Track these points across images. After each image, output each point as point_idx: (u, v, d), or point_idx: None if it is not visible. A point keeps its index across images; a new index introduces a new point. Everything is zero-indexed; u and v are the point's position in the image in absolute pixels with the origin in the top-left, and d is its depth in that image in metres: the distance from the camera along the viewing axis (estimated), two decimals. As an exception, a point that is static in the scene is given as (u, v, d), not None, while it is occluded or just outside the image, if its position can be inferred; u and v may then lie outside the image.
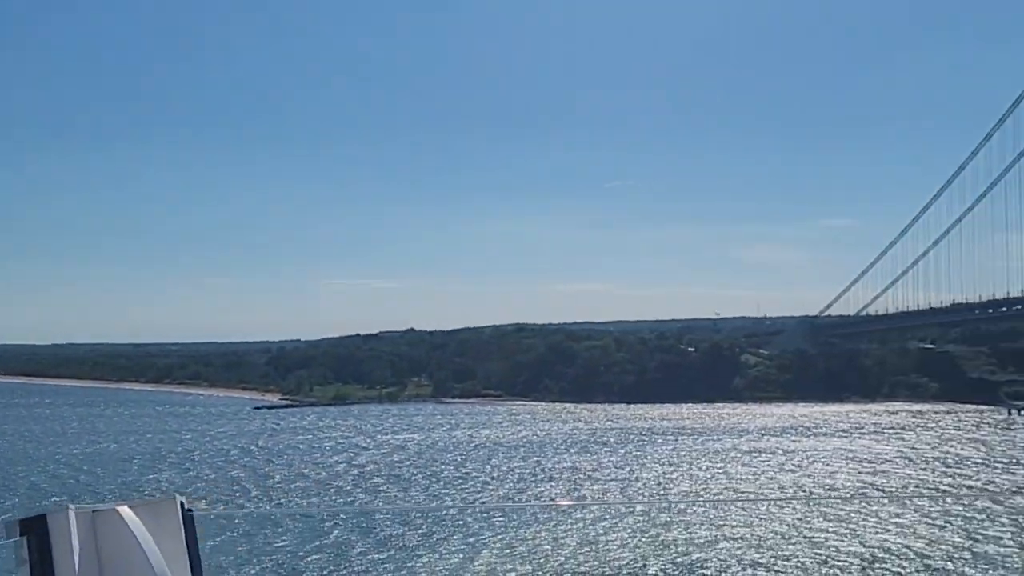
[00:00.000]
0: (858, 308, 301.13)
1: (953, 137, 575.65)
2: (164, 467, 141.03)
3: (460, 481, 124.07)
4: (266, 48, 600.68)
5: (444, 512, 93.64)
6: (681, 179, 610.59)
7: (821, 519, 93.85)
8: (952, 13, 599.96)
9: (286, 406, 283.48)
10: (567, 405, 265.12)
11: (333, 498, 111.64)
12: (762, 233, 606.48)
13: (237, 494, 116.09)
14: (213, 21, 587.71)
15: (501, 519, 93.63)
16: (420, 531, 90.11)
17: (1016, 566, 78.21)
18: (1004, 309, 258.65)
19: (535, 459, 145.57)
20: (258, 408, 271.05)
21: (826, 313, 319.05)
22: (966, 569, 77.97)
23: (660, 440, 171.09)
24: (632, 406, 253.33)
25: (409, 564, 79.63)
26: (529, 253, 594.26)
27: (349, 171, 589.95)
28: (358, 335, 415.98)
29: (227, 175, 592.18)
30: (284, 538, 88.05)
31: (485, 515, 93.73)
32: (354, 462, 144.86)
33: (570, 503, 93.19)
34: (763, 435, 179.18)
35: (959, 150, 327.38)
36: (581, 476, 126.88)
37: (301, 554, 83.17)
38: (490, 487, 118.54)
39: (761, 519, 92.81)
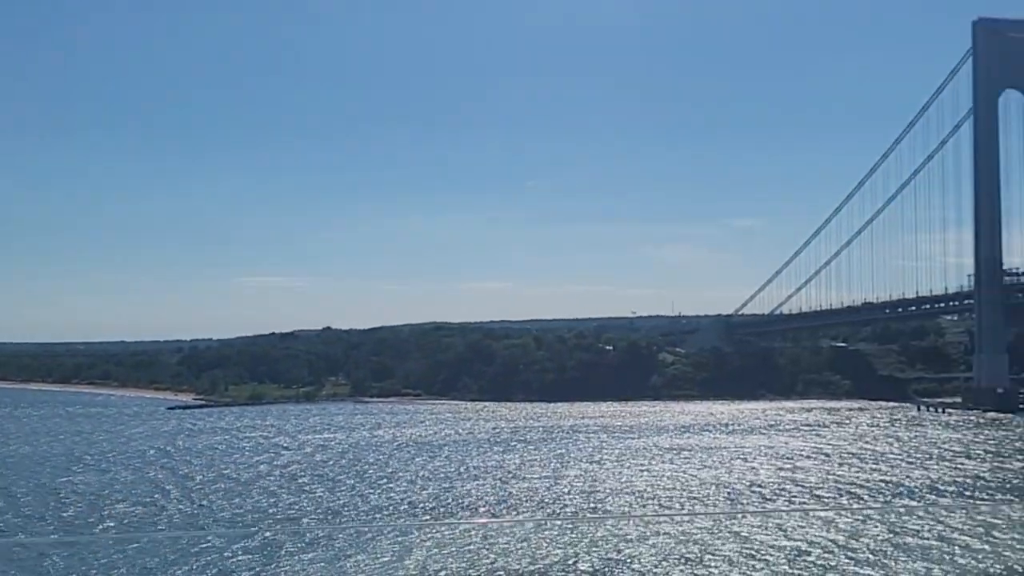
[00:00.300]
0: (772, 307, 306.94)
1: (862, 140, 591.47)
2: (80, 469, 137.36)
3: (386, 481, 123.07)
4: (178, 48, 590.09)
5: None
6: (597, 179, 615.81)
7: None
8: (865, 19, 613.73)
9: (201, 406, 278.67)
10: (487, 404, 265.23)
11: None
12: (675, 233, 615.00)
13: (157, 496, 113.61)
14: (120, 21, 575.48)
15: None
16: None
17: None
18: (913, 308, 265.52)
19: (460, 458, 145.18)
20: (172, 408, 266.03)
21: (741, 312, 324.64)
22: None
23: (583, 438, 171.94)
24: (552, 404, 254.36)
25: None
26: (447, 252, 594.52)
27: (262, 169, 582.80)
28: (274, 334, 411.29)
29: (137, 173, 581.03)
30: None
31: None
32: (277, 462, 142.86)
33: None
34: (684, 433, 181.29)
35: (869, 153, 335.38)
36: (507, 474, 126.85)
37: None
38: (417, 486, 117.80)
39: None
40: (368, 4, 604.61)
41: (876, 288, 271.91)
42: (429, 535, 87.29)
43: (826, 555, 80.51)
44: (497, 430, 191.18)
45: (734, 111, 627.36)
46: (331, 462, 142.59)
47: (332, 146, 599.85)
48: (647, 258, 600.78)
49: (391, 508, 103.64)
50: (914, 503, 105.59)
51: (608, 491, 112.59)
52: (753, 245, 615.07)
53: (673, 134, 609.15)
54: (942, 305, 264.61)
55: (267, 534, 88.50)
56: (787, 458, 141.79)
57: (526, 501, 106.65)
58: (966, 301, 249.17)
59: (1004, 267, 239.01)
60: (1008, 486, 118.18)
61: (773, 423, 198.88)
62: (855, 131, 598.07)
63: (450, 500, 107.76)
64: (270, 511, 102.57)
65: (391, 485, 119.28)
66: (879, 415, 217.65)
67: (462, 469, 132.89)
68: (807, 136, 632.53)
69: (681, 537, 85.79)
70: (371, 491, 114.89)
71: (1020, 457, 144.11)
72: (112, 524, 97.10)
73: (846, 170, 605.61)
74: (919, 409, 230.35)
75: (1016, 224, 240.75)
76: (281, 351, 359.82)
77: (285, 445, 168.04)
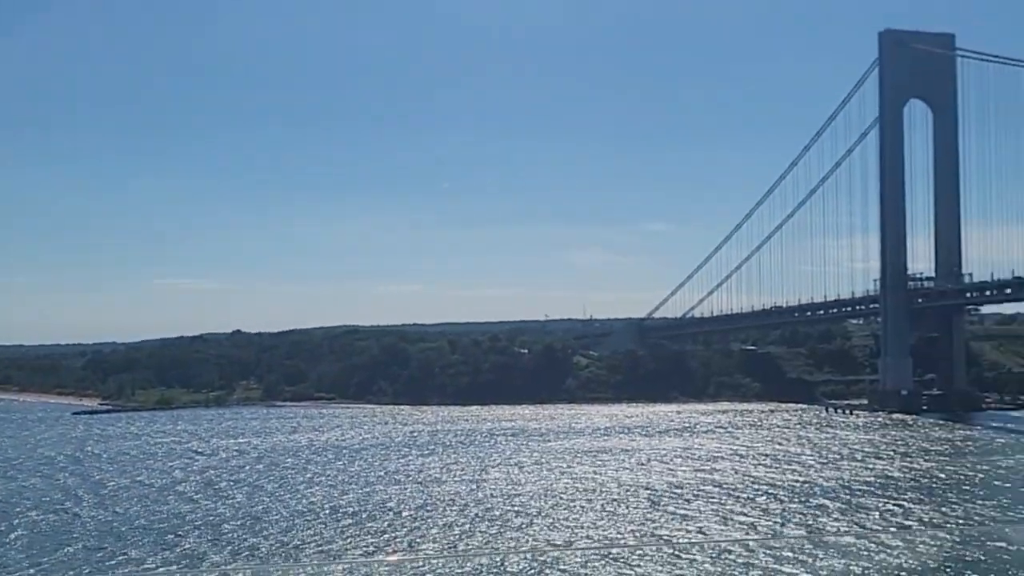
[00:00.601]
0: (684, 311, 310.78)
1: (773, 147, 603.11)
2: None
3: (306, 485, 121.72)
4: (78, 51, 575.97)
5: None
6: (510, 182, 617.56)
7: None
8: (777, 27, 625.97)
9: (108, 411, 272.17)
10: (402, 407, 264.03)
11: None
12: (588, 236, 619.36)
13: (70, 504, 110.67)
14: (34, 20, 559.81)
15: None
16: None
17: None
18: (821, 312, 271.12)
19: (380, 462, 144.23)
20: (78, 414, 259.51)
21: (653, 315, 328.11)
22: None
23: (501, 441, 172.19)
24: (468, 407, 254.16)
25: None
26: (359, 254, 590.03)
27: (167, 169, 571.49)
28: (182, 337, 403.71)
29: (38, 176, 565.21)
30: None
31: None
32: (193, 468, 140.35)
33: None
34: (601, 435, 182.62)
35: (779, 160, 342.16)
36: (429, 478, 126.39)
37: None
38: (337, 490, 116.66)
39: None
40: (278, 9, 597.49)
41: (785, 292, 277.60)
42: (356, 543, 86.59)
43: None
44: (415, 434, 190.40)
45: (647, 116, 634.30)
46: (248, 467, 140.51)
47: (241, 147, 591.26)
48: (560, 261, 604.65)
49: (313, 513, 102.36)
50: (830, 503, 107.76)
51: (531, 494, 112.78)
52: (664, 249, 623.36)
53: (586, 138, 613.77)
54: (849, 309, 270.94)
55: (188, 543, 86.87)
56: (705, 459, 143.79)
57: (449, 505, 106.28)
58: (872, 305, 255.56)
59: (908, 272, 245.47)
60: (918, 484, 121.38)
61: (688, 425, 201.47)
62: (766, 138, 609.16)
63: (371, 505, 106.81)
64: (188, 518, 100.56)
65: (312, 490, 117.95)
66: (789, 417, 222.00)
67: (382, 473, 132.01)
68: (718, 142, 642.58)
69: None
70: (291, 496, 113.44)
71: (926, 457, 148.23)
72: (24, 534, 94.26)
73: (757, 176, 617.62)
74: (827, 411, 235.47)
75: (920, 230, 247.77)
76: (190, 354, 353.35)
77: (200, 450, 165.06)
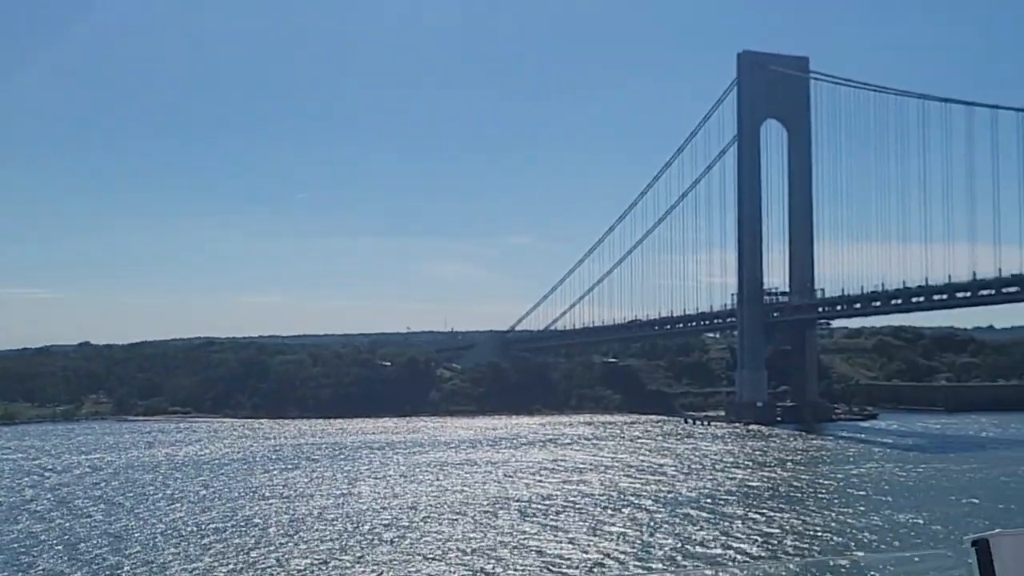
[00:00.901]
0: (547, 323, 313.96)
1: (635, 163, 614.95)
2: None
3: (166, 503, 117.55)
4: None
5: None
6: (369, 192, 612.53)
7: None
8: (641, 44, 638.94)
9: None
10: (262, 421, 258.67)
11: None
12: (449, 248, 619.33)
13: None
14: None
15: None
16: None
17: None
18: (680, 325, 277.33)
19: (243, 477, 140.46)
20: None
21: (516, 328, 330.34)
22: None
23: (368, 454, 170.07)
24: (331, 421, 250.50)
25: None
26: (214, 264, 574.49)
27: (7, 174, 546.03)
28: (26, 349, 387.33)
29: None
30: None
31: None
32: (45, 485, 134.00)
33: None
34: (468, 447, 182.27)
35: (642, 176, 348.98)
36: (295, 493, 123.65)
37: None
38: (199, 507, 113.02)
39: None
40: (137, 9, 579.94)
41: (645, 306, 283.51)
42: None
43: None
44: (278, 448, 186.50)
45: (510, 129, 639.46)
46: (104, 484, 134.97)
47: (88, 152, 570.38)
48: (421, 273, 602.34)
49: (176, 531, 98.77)
50: (696, 512, 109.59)
51: (400, 507, 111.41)
52: (527, 262, 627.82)
53: (447, 149, 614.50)
54: (707, 323, 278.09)
55: (44, 564, 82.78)
56: (572, 471, 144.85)
57: (318, 520, 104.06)
58: (729, 319, 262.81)
59: (764, 287, 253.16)
60: (778, 493, 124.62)
61: (552, 437, 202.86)
62: (629, 153, 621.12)
63: (237, 522, 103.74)
64: (43, 538, 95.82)
65: (173, 506, 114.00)
66: (650, 428, 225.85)
67: (247, 489, 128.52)
68: (582, 157, 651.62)
69: None
70: (151, 513, 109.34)
71: (784, 466, 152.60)
72: None
73: (619, 191, 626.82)
74: (686, 422, 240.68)
75: (776, 246, 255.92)
76: (35, 367, 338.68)
77: (51, 467, 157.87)
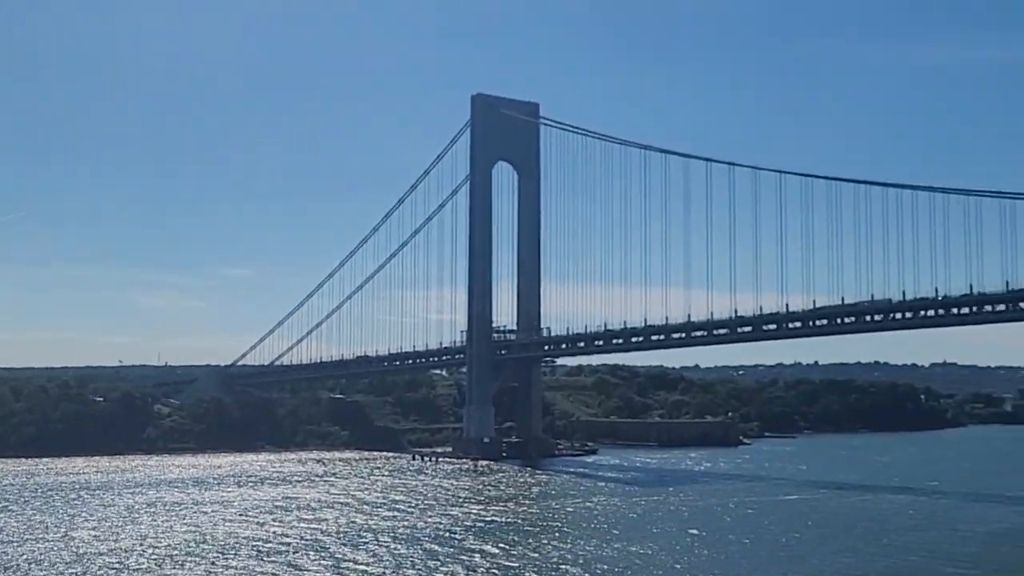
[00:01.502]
0: (272, 358, 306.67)
1: (370, 200, 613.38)
2: None
3: None
4: None
5: None
6: (69, 217, 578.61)
7: None
8: (379, 82, 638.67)
9: None
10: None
11: None
12: (162, 280, 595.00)
13: None
14: None
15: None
16: None
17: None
18: (410, 361, 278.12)
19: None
20: None
21: (240, 363, 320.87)
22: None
23: (86, 495, 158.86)
24: (38, 460, 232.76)
25: None
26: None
27: None
28: None
29: None
30: None
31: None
32: None
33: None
34: (193, 486, 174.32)
35: (375, 212, 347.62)
36: (6, 538, 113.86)
37: None
38: None
39: None
40: None
41: (376, 342, 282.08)
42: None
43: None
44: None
45: (234, 163, 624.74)
46: None
47: None
48: (132, 304, 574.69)
49: None
50: (437, 547, 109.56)
51: (128, 551, 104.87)
52: (246, 295, 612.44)
53: (156, 180, 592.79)
54: (436, 359, 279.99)
55: None
56: (307, 509, 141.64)
57: (37, 567, 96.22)
58: (458, 356, 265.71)
59: (493, 325, 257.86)
60: (511, 526, 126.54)
61: (281, 475, 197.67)
62: (362, 190, 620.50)
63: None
64: None
65: None
66: (380, 465, 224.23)
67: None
68: (305, 192, 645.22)
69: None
70: None
71: (513, 501, 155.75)
72: None
73: (351, 228, 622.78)
74: (414, 458, 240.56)
75: (505, 285, 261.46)
76: None
77: None
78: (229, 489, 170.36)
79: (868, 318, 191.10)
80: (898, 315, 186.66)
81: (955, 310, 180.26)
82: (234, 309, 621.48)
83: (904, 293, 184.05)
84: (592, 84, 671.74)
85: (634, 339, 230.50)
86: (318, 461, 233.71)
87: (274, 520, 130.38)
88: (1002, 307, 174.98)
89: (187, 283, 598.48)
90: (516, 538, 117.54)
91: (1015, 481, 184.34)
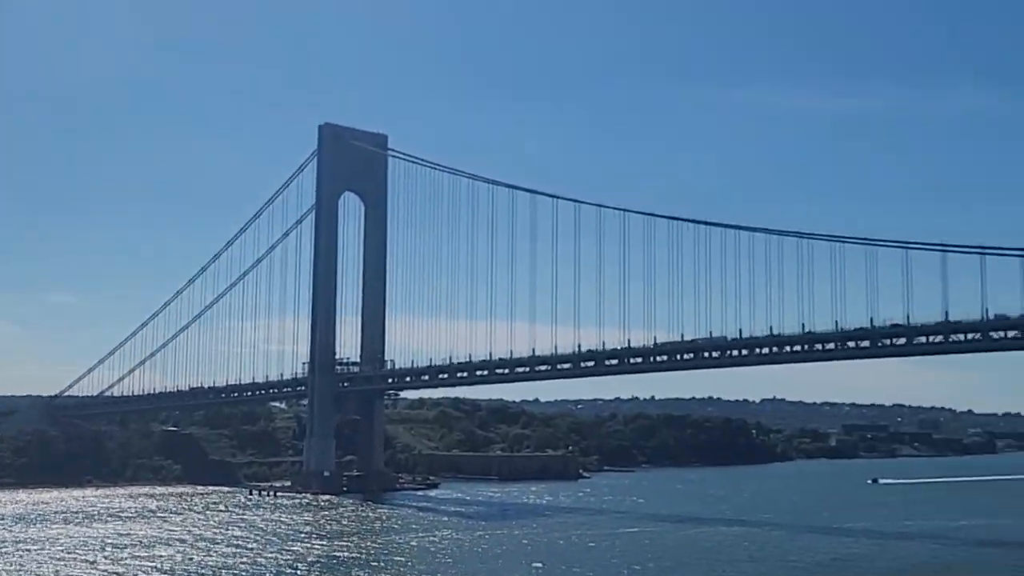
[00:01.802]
0: (101, 388, 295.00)
1: (212, 228, 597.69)
2: None
3: None
4: None
5: None
6: None
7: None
8: (224, 108, 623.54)
9: None
10: None
11: None
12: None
13: None
14: None
15: None
16: None
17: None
18: (248, 393, 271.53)
19: None
20: None
21: (65, 393, 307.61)
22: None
23: None
24: None
25: None
26: None
27: None
28: None
29: None
30: None
31: None
32: None
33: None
34: (14, 523, 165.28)
35: (214, 241, 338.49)
36: None
37: None
38: None
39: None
40: None
41: (213, 373, 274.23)
42: None
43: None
44: None
45: (65, 185, 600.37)
46: None
47: None
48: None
49: None
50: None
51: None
52: (72, 323, 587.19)
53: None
54: (275, 391, 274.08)
55: None
56: (143, 546, 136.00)
57: None
58: (299, 388, 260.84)
59: (336, 357, 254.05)
60: (359, 562, 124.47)
61: (112, 511, 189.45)
62: (204, 218, 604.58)
63: None
64: None
65: None
66: (217, 500, 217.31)
67: None
68: (140, 219, 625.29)
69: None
70: None
71: (356, 536, 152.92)
72: None
73: (191, 255, 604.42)
74: (251, 493, 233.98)
75: (349, 317, 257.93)
76: None
77: None
78: (55, 526, 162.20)
79: (706, 354, 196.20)
80: (735, 352, 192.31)
81: (788, 348, 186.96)
82: (57, 336, 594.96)
83: (740, 331, 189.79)
84: (442, 118, 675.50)
85: (478, 372, 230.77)
86: (150, 496, 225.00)
87: (106, 558, 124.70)
88: (831, 346, 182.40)
89: (5, 308, 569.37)
90: (360, 573, 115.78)
91: (841, 514, 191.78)
